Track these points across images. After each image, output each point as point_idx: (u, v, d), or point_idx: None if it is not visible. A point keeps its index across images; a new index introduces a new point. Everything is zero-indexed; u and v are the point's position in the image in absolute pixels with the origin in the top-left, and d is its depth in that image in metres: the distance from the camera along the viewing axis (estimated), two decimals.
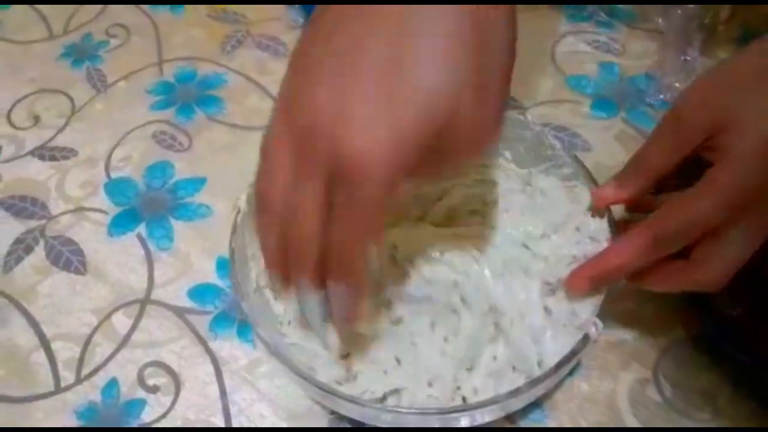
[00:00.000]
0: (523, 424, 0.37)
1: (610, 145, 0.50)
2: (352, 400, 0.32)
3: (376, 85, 0.25)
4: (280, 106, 0.28)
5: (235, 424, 0.38)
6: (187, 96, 0.55)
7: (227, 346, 0.41)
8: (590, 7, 0.60)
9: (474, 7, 0.26)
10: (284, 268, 0.29)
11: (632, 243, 0.33)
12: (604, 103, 0.53)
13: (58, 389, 0.40)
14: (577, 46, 0.58)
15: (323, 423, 0.38)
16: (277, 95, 0.29)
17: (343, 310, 0.30)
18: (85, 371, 0.41)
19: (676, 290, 0.35)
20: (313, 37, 0.28)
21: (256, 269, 0.37)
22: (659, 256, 0.33)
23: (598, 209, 0.38)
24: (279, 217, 0.28)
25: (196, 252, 0.46)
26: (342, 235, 0.27)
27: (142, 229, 0.47)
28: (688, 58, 0.53)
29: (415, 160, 0.26)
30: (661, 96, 0.52)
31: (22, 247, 0.46)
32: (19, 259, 0.46)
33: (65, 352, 0.41)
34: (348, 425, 0.38)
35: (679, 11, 0.54)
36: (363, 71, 0.26)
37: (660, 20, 0.57)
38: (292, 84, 0.28)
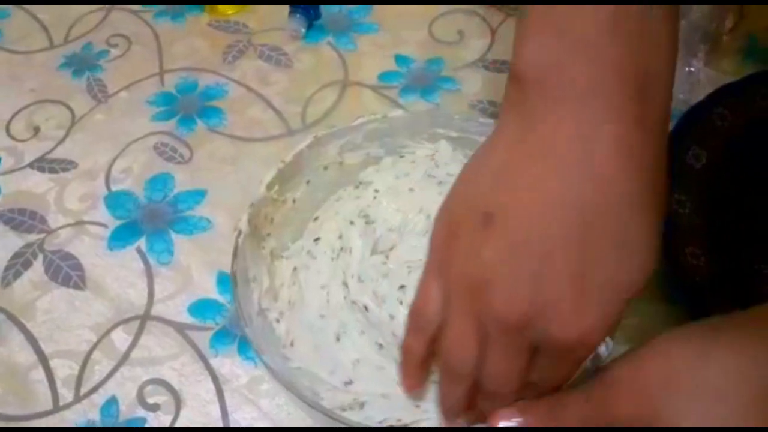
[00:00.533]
0: None
1: None
2: (359, 427, 0.31)
3: (571, 280, 0.25)
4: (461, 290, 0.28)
5: None
6: (189, 107, 0.55)
7: (228, 363, 0.41)
8: None
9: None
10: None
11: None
12: None
13: (57, 408, 0.40)
14: None
15: None
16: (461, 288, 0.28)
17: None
18: (84, 389, 0.40)
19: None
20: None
21: (258, 291, 0.37)
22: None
23: None
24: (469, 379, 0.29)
25: (196, 266, 0.45)
26: (551, 380, 0.29)
27: (142, 242, 0.47)
28: (693, 69, 0.53)
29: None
30: None
31: (20, 262, 0.46)
32: (17, 274, 0.45)
33: (64, 369, 0.41)
34: None
35: (683, 21, 0.53)
36: (558, 268, 0.25)
37: None
38: (467, 267, 0.27)
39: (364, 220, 0.41)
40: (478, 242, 0.26)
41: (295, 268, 0.40)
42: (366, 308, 0.37)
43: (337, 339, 0.37)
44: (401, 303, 0.36)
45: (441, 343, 0.29)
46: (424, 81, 0.55)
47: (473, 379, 0.29)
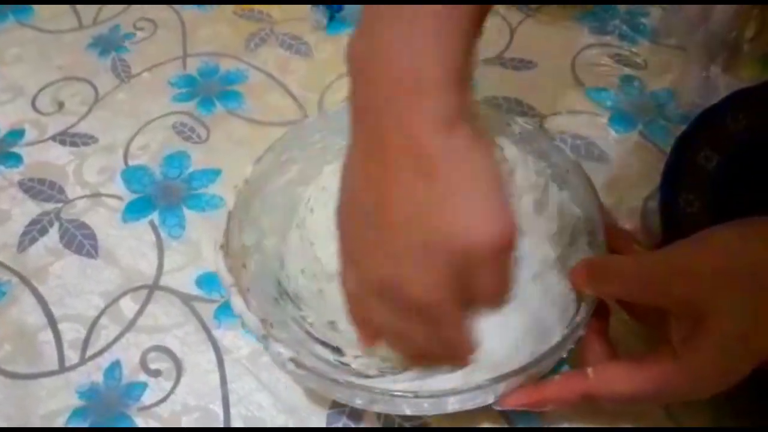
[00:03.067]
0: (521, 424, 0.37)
1: (625, 158, 0.50)
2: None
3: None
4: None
5: (233, 413, 0.38)
6: (209, 90, 0.56)
7: (230, 335, 0.41)
8: (614, 21, 0.60)
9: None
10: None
11: (565, 390, 0.33)
12: (622, 117, 0.52)
13: (63, 368, 0.40)
14: (599, 59, 0.57)
15: (322, 417, 0.38)
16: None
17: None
18: (89, 352, 0.41)
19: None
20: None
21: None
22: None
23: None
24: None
25: (206, 241, 0.46)
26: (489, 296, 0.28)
27: (155, 216, 0.48)
28: (710, 76, 0.53)
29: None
30: (680, 111, 0.52)
31: (37, 229, 0.47)
32: (33, 240, 0.47)
33: (71, 332, 0.42)
34: (346, 418, 0.38)
35: (703, 28, 0.53)
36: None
37: (682, 36, 0.56)
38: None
39: None
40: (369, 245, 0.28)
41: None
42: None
43: None
44: None
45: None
46: None
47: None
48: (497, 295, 0.28)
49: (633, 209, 0.46)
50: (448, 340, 0.29)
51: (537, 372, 0.33)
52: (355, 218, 0.29)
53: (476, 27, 0.27)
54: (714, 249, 0.31)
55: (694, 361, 0.30)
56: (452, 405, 0.32)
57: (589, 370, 0.33)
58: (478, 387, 0.31)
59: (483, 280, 0.27)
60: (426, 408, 0.33)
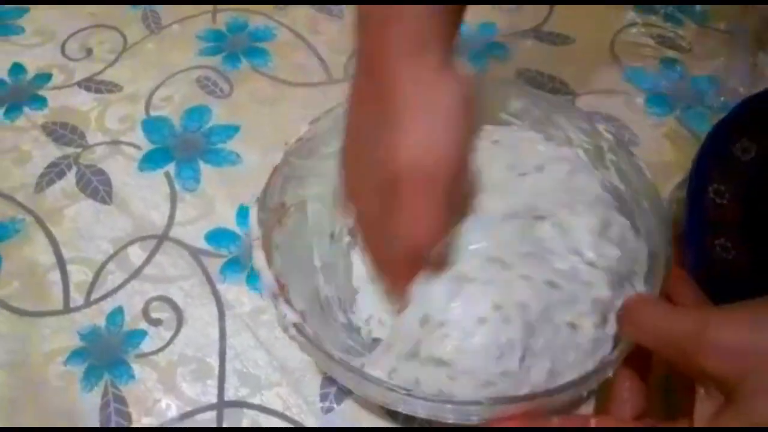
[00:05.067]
0: None
1: (658, 143, 0.48)
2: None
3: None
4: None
5: (228, 368, 0.38)
6: (236, 45, 0.55)
7: (234, 291, 0.41)
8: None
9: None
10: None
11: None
12: (659, 100, 0.50)
13: (67, 309, 0.41)
14: (641, 38, 0.55)
15: (316, 380, 0.38)
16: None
17: None
18: (94, 296, 0.41)
19: None
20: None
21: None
22: None
23: None
24: None
25: (220, 197, 0.46)
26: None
27: (171, 168, 0.48)
28: (758, 63, 0.50)
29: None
30: (723, 99, 0.49)
31: (55, 171, 0.47)
32: (50, 182, 0.47)
33: (79, 275, 0.42)
34: (338, 386, 0.37)
35: (754, 13, 0.50)
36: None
37: (732, 21, 0.53)
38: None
39: None
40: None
41: None
42: None
43: None
44: None
45: None
46: (473, 45, 0.54)
47: None
48: (415, 234, 0.29)
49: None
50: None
51: (547, 402, 0.30)
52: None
53: None
54: (761, 324, 0.26)
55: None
56: (446, 413, 0.30)
57: (593, 420, 0.29)
58: (476, 402, 0.29)
59: (404, 212, 0.29)
60: (419, 410, 0.30)
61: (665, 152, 0.47)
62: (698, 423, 0.27)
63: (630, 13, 0.57)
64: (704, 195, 0.41)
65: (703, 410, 0.27)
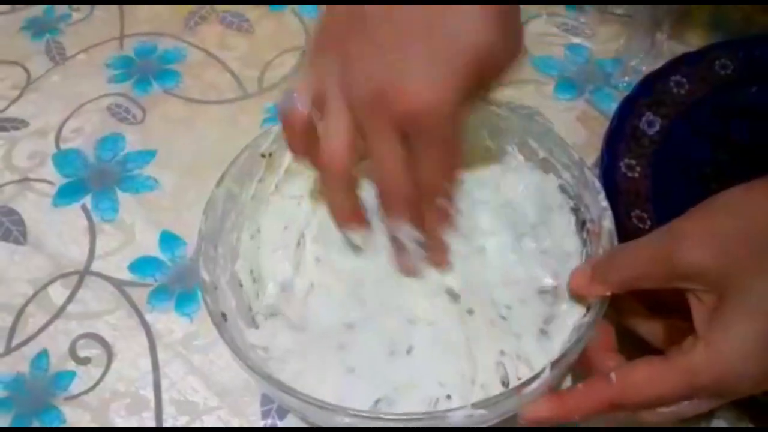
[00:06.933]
0: None
1: (571, 125, 0.49)
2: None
3: (425, 47, 0.30)
4: (333, 85, 0.31)
5: (164, 398, 0.37)
6: (146, 70, 0.54)
7: (164, 319, 0.40)
8: None
9: None
10: (360, 221, 0.34)
11: (589, 399, 0.29)
12: (567, 85, 0.52)
13: None
14: (547, 28, 0.56)
15: (256, 399, 0.37)
16: (310, 74, 0.33)
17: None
18: (15, 341, 0.39)
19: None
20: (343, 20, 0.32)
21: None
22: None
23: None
24: (347, 176, 0.32)
25: (140, 224, 0.45)
26: (433, 171, 0.31)
27: (87, 200, 0.46)
28: (655, 42, 0.52)
29: (467, 94, 0.30)
30: (626, 78, 0.51)
31: None
32: None
33: None
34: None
35: None
36: (409, 38, 0.30)
37: (629, 5, 0.55)
38: (336, 63, 0.31)
39: None
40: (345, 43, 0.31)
41: None
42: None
43: None
44: None
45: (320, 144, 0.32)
46: None
47: (353, 181, 0.33)
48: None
49: None
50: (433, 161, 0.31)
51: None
52: (345, 33, 0.31)
53: None
54: (725, 210, 0.27)
55: (724, 343, 0.25)
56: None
57: (612, 374, 0.28)
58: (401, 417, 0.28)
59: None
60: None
61: (579, 134, 0.48)
62: (700, 327, 0.27)
63: (533, 5, 0.58)
64: (617, 170, 0.43)
65: (702, 314, 0.27)
